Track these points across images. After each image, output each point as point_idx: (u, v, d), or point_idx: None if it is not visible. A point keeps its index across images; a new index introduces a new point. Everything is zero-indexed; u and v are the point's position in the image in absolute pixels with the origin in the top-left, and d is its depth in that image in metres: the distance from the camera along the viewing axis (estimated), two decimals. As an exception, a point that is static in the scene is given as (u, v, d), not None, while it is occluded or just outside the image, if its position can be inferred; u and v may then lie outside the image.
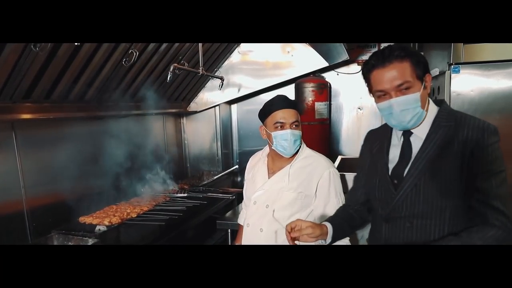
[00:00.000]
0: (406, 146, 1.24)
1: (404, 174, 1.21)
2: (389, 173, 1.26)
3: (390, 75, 1.14)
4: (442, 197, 1.15)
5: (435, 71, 2.71)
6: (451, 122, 1.17)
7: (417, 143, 1.21)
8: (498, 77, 2.32)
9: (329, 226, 1.32)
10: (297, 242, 1.26)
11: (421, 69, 1.14)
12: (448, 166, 1.14)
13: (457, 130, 1.15)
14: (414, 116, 1.16)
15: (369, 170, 1.36)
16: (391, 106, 1.16)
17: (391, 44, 1.16)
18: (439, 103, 1.24)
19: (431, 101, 1.23)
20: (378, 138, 1.36)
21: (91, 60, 1.98)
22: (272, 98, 1.66)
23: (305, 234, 1.23)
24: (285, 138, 1.59)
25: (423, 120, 1.19)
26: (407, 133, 1.24)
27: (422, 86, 1.15)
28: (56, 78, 1.91)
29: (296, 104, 1.65)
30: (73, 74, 1.96)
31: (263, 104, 1.68)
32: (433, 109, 1.22)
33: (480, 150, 1.11)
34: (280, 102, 1.61)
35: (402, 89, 1.13)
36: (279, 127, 1.60)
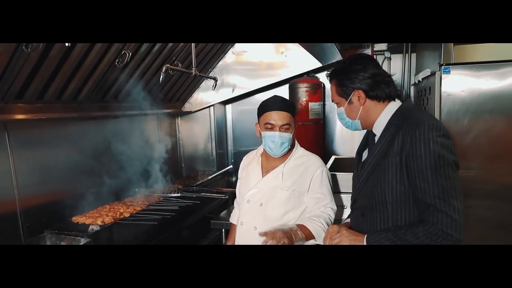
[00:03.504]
0: (371, 144, 1.32)
1: None
2: (358, 169, 1.35)
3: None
4: (383, 194, 1.20)
5: (426, 72, 2.74)
6: (400, 120, 1.20)
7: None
8: (488, 78, 2.35)
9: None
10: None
11: (345, 88, 1.27)
12: (388, 164, 1.18)
13: (400, 127, 1.18)
14: (345, 124, 1.36)
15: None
16: None
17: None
18: (403, 101, 1.28)
19: (392, 102, 1.26)
20: (364, 136, 1.44)
21: (84, 60, 1.97)
22: (269, 98, 1.66)
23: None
24: (272, 140, 1.61)
25: (376, 121, 1.27)
26: (371, 131, 1.32)
27: (347, 102, 1.29)
28: (49, 78, 1.89)
29: (290, 107, 1.65)
30: (66, 75, 1.95)
31: (258, 104, 1.69)
32: (392, 108, 1.25)
33: (413, 147, 1.12)
34: (274, 103, 1.62)
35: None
36: (269, 128, 1.61)
